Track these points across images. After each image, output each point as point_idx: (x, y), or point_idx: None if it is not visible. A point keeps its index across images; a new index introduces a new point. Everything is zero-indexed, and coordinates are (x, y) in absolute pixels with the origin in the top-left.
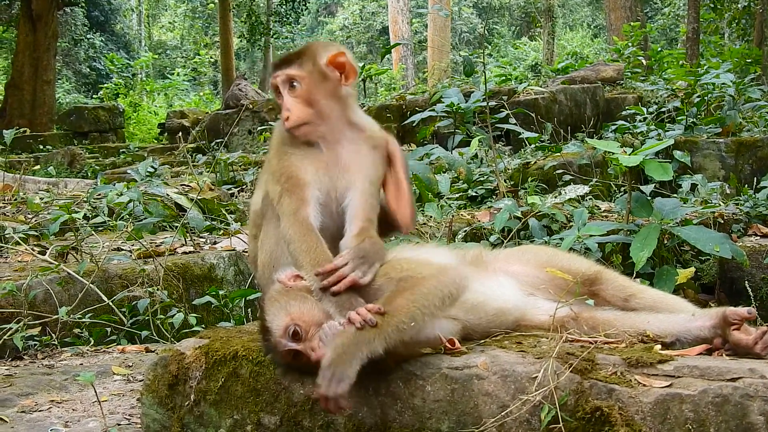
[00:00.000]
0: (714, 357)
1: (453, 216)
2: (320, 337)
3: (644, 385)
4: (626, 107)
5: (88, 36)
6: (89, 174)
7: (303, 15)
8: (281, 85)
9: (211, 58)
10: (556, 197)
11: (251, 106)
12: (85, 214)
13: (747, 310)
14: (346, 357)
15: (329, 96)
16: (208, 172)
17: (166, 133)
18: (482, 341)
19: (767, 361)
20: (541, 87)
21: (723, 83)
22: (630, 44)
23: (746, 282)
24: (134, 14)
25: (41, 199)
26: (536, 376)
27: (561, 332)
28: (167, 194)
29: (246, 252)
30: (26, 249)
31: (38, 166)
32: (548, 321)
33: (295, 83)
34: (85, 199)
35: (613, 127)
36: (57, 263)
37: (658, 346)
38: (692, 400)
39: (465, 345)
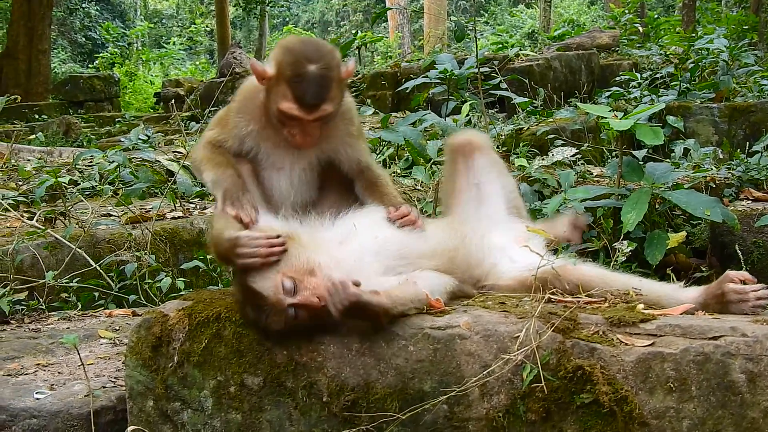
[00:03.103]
0: (696, 316)
1: (438, 180)
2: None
3: (626, 344)
4: (621, 74)
5: (84, 5)
6: (84, 143)
7: None
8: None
9: (206, 27)
10: (543, 160)
11: (245, 74)
12: (74, 180)
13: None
14: None
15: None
16: None
17: (161, 102)
18: (465, 302)
19: (749, 320)
20: (536, 54)
21: (717, 49)
22: (626, 11)
23: (737, 246)
24: None
25: (32, 166)
26: (518, 336)
27: (543, 291)
28: (157, 160)
29: None
30: (15, 215)
31: (33, 136)
32: (521, 277)
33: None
34: (73, 165)
35: (607, 93)
36: (44, 228)
37: (641, 306)
38: (674, 358)
39: (448, 304)
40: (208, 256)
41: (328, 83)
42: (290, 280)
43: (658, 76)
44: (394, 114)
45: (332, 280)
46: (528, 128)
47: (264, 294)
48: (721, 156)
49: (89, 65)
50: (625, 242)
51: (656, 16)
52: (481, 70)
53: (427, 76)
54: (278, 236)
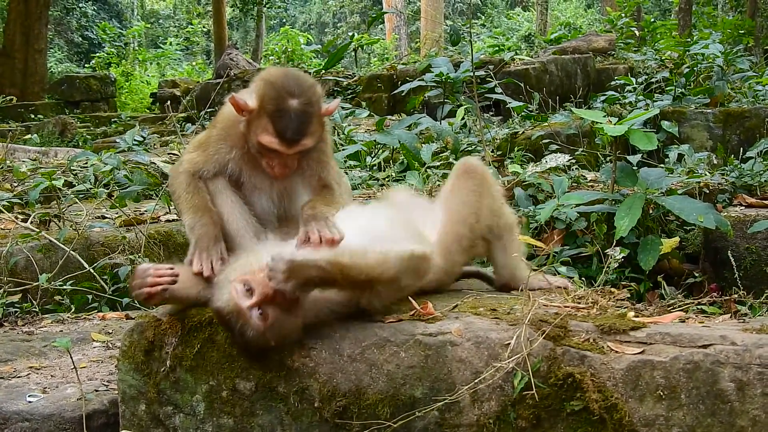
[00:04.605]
0: (686, 324)
1: (432, 185)
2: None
3: (616, 352)
4: (617, 78)
5: (80, 5)
6: (80, 143)
7: None
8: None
9: (203, 27)
10: (537, 166)
11: (241, 75)
12: (69, 182)
13: None
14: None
15: None
16: None
17: (157, 103)
18: (454, 307)
19: (739, 328)
20: (532, 57)
21: (712, 54)
22: (623, 15)
23: (730, 252)
24: None
25: (27, 167)
26: (509, 343)
27: (533, 299)
28: (152, 162)
29: None
30: (9, 216)
31: (29, 136)
32: None
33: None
34: (68, 167)
35: (602, 98)
36: (38, 230)
37: (632, 313)
38: (664, 366)
39: (439, 310)
40: None
41: (308, 119)
42: (241, 283)
43: (653, 80)
44: (389, 117)
45: (266, 261)
46: (523, 132)
47: (224, 307)
48: (715, 161)
49: (86, 65)
50: (618, 248)
51: (653, 20)
52: (477, 73)
53: (423, 79)
54: (171, 268)
